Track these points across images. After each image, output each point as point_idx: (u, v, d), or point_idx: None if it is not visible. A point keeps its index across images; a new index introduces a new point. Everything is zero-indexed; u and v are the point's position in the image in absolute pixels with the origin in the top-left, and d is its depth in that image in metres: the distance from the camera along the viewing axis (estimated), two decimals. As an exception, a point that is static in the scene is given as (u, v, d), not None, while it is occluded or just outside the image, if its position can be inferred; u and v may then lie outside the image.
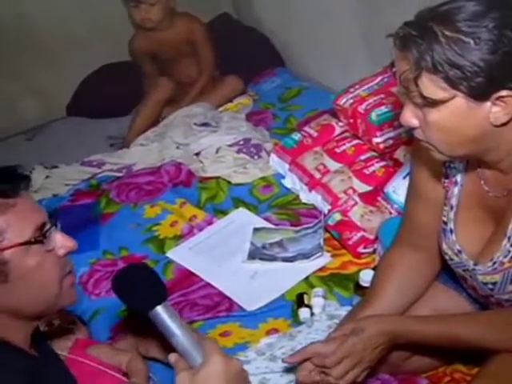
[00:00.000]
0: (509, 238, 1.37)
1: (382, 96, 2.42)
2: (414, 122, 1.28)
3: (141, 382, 1.61)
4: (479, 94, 1.18)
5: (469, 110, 1.20)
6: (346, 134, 2.53)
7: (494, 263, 1.40)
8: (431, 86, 1.20)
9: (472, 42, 1.15)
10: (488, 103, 1.20)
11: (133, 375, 1.63)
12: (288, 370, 1.70)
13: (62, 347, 1.65)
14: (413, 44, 1.19)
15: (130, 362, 1.64)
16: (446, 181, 1.51)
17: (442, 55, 1.16)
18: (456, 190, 1.48)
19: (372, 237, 2.14)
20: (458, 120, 1.22)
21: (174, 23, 3.23)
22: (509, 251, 1.37)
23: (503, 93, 1.18)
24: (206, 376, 1.12)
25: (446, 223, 1.51)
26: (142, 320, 1.24)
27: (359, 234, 2.15)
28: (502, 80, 1.17)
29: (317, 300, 1.97)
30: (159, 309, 1.15)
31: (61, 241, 1.22)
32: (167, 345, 1.18)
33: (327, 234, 2.25)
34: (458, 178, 1.48)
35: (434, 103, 1.21)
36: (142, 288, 1.18)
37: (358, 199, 2.24)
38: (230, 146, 2.75)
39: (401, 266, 1.62)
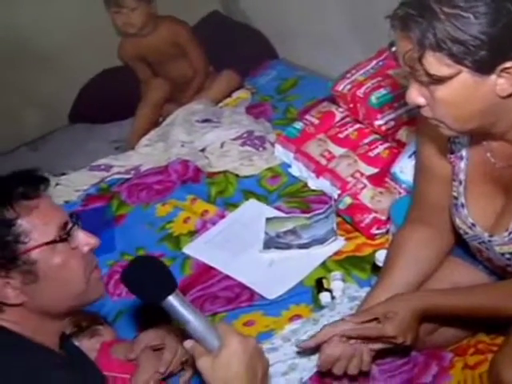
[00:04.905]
0: (522, 207, 1.38)
1: (380, 79, 2.44)
2: (421, 101, 1.28)
3: (144, 378, 1.60)
4: (484, 67, 1.19)
5: (475, 84, 1.21)
6: (347, 119, 2.55)
7: (510, 233, 1.41)
8: (436, 64, 1.19)
9: (471, 16, 1.15)
10: (493, 76, 1.20)
11: (138, 370, 1.62)
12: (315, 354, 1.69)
13: (91, 348, 1.67)
14: (413, 23, 1.18)
15: (139, 357, 1.64)
16: (452, 156, 1.52)
17: (443, 32, 1.16)
18: (463, 164, 1.49)
19: (384, 217, 2.16)
20: (465, 94, 1.22)
21: (157, 28, 3.24)
22: (524, 220, 1.38)
23: (507, 64, 1.18)
24: (228, 357, 1.15)
25: (456, 198, 1.52)
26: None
27: (371, 216, 2.18)
28: (505, 51, 1.17)
29: (336, 283, 1.99)
30: (171, 298, 1.16)
31: (84, 238, 1.26)
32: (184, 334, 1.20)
33: (339, 219, 2.27)
34: (464, 152, 1.49)
35: (440, 80, 1.21)
36: (151, 280, 1.19)
37: (366, 182, 2.27)
38: (234, 139, 2.76)
39: (412, 241, 1.63)
